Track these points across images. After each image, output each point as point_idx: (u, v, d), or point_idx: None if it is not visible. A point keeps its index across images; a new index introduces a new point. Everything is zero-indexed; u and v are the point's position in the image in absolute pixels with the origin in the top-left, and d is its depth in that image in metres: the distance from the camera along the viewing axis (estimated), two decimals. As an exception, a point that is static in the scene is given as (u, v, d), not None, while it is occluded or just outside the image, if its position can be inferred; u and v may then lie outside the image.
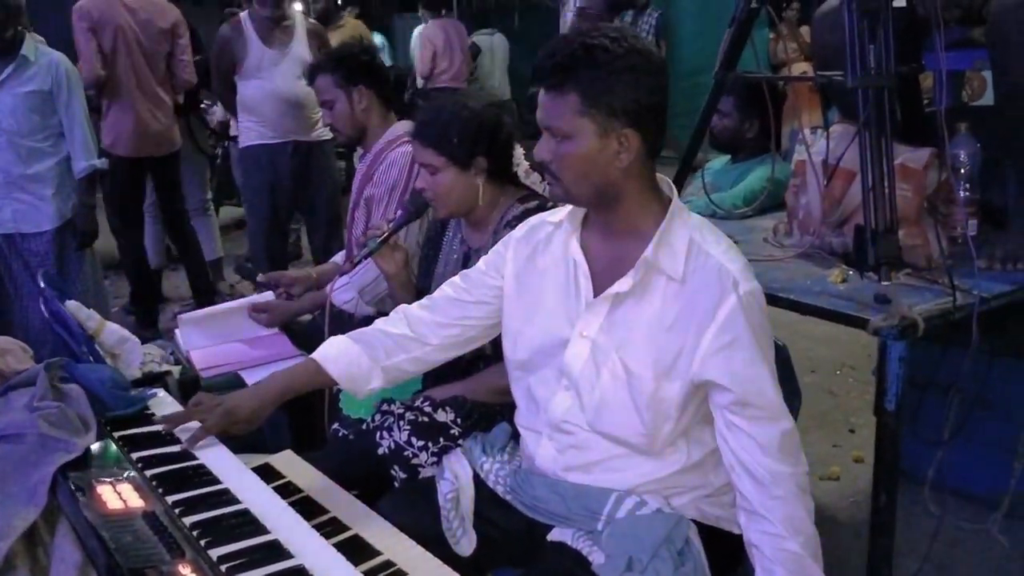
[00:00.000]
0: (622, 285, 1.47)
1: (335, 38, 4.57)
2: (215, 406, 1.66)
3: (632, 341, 1.47)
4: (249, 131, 3.93)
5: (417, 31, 7.65)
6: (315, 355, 1.70)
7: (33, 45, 3.26)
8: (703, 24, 8.34)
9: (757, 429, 1.42)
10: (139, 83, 4.17)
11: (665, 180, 1.54)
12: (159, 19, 4.23)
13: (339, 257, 3.00)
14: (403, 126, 2.70)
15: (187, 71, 4.38)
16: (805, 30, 7.71)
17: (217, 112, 5.32)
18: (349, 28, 5.75)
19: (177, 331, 2.71)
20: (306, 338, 2.63)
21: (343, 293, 2.49)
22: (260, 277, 2.93)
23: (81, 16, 4.07)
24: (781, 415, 1.44)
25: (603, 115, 1.40)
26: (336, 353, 1.69)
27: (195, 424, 1.65)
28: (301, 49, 3.81)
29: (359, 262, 2.12)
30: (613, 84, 1.39)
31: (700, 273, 1.44)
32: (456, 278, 1.75)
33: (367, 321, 2.56)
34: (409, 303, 2.18)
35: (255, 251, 4.16)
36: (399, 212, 2.13)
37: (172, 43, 4.30)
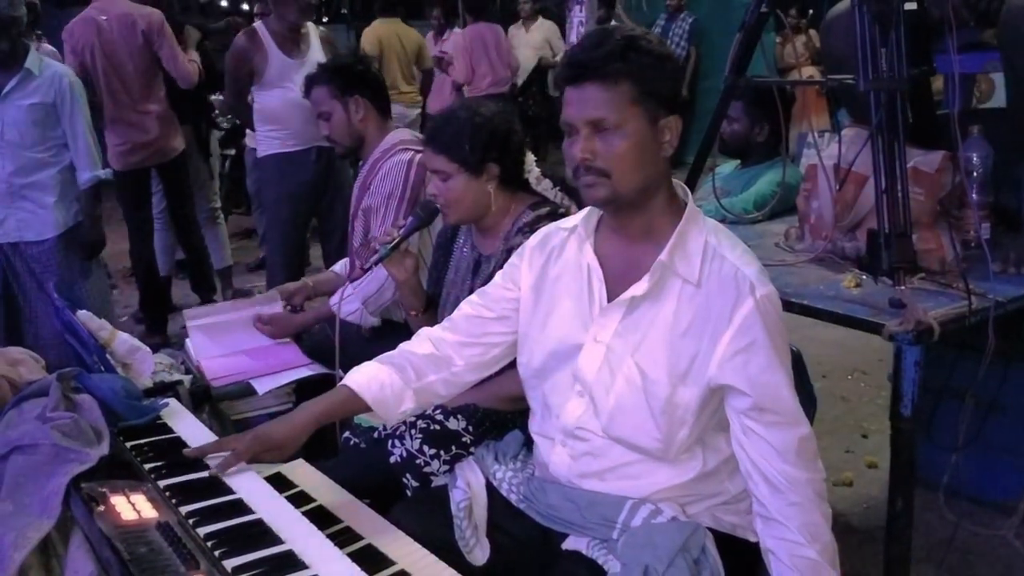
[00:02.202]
0: (637, 289, 1.46)
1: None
2: (246, 434, 1.62)
3: (647, 346, 1.46)
4: (270, 140, 3.92)
5: (427, 39, 7.56)
6: (347, 381, 1.65)
7: (38, 58, 3.27)
8: (730, 29, 8.30)
9: (774, 434, 1.41)
10: (116, 102, 4.24)
11: (680, 184, 1.54)
12: (130, 35, 4.23)
13: (339, 266, 2.99)
14: (399, 134, 2.70)
15: (180, 68, 4.35)
16: (813, 34, 7.71)
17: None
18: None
19: (187, 340, 2.71)
20: (316, 347, 2.63)
21: (348, 304, 2.48)
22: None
23: (65, 38, 4.19)
24: (798, 420, 1.43)
25: (653, 102, 1.41)
26: (367, 378, 1.64)
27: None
28: (318, 56, 3.80)
29: (370, 268, 2.12)
30: (660, 71, 1.41)
31: (716, 277, 1.43)
32: (474, 295, 1.73)
33: (374, 331, 2.57)
34: (419, 309, 2.19)
35: (271, 259, 4.15)
36: (409, 219, 2.12)
37: (153, 50, 4.30)
